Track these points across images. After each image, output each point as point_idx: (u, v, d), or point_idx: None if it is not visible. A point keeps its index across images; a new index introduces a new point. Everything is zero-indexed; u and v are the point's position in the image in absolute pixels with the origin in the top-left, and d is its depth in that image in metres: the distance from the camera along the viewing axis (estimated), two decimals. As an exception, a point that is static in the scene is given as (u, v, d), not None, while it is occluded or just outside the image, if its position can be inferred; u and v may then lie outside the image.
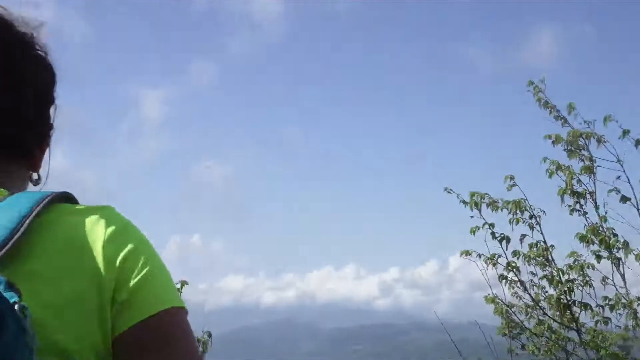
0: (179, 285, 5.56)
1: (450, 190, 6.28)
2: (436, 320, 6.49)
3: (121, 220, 1.12)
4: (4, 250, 0.96)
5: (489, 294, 6.18)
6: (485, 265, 5.99)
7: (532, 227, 5.90)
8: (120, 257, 1.06)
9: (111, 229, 1.08)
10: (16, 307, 0.87)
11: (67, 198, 1.13)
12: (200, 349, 5.92)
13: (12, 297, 0.88)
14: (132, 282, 1.05)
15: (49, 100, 1.24)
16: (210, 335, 5.89)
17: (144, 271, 1.07)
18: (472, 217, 6.01)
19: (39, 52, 1.21)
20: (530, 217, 5.89)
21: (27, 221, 1.00)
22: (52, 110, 1.25)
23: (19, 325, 0.87)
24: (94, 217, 1.09)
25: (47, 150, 1.26)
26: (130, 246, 1.08)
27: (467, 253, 6.10)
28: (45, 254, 1.02)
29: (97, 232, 1.07)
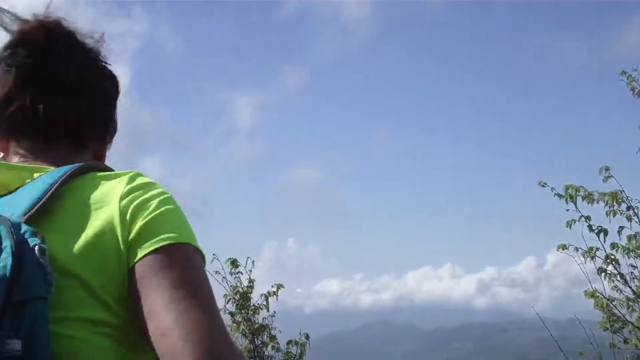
0: (274, 289, 5.69)
1: (545, 184, 6.20)
2: (535, 318, 6.41)
3: (142, 179, 1.29)
4: (32, 211, 1.18)
5: (588, 289, 6.05)
6: (583, 259, 5.88)
7: (630, 219, 5.75)
8: (133, 205, 1.22)
9: (130, 185, 1.25)
10: (36, 248, 1.09)
11: (99, 168, 1.33)
12: (299, 351, 6.07)
13: (33, 241, 1.10)
14: (141, 223, 1.20)
15: (113, 105, 1.49)
16: (307, 337, 6.03)
17: (153, 214, 1.22)
18: (567, 210, 5.92)
19: (104, 63, 1.46)
20: (628, 209, 5.75)
21: (56, 185, 1.22)
22: (114, 113, 1.50)
23: (38, 262, 1.08)
24: (117, 179, 1.27)
25: (108, 146, 1.51)
26: (144, 196, 1.24)
27: (563, 247, 6.00)
28: (69, 211, 1.22)
29: (117, 188, 1.25)
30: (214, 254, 5.41)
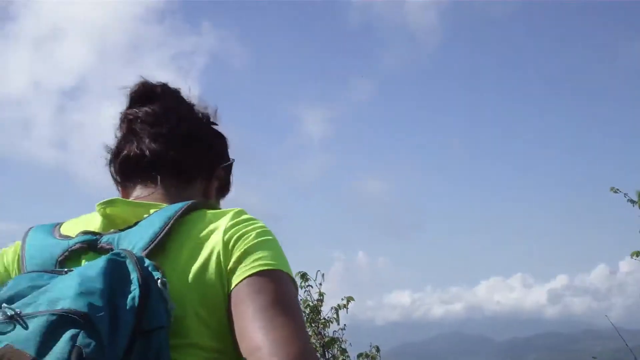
0: (344, 301, 5.75)
1: (617, 190, 6.07)
2: (609, 327, 6.25)
3: (245, 215, 1.48)
4: (151, 245, 1.37)
5: (664, 297, 5.88)
6: (658, 267, 5.73)
7: None
8: (235, 236, 1.41)
9: (234, 220, 1.44)
10: (159, 281, 1.28)
11: (208, 206, 1.52)
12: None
13: (156, 274, 1.30)
14: (240, 251, 1.39)
15: (223, 157, 1.73)
16: (378, 349, 6.05)
17: (252, 242, 1.40)
18: (641, 216, 5.77)
19: (214, 125, 1.72)
20: None
21: (171, 222, 1.41)
22: (226, 166, 1.73)
23: (161, 294, 1.28)
24: (224, 215, 1.46)
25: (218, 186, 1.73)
26: (245, 229, 1.43)
27: (637, 254, 5.85)
28: (182, 245, 1.41)
29: (223, 222, 1.43)
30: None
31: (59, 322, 1.20)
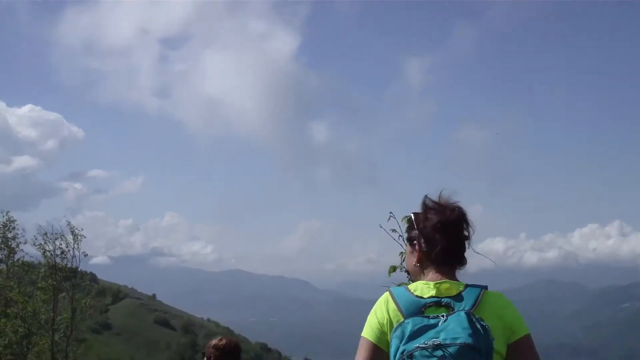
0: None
1: None
2: None
3: (506, 299, 2.68)
4: (474, 307, 2.55)
5: None
6: None
7: None
8: (509, 315, 2.63)
9: (507, 302, 2.66)
10: (490, 334, 2.48)
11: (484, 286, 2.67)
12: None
13: (483, 323, 2.50)
14: (513, 321, 2.62)
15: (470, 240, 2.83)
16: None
17: (515, 317, 2.63)
18: None
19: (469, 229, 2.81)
20: None
21: (481, 294, 2.59)
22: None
23: (492, 345, 2.49)
24: (500, 296, 2.65)
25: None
26: (511, 309, 2.65)
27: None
28: (486, 309, 2.57)
29: (503, 303, 2.65)
30: (390, 212, 5.26)
31: (467, 352, 2.37)
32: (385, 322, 2.60)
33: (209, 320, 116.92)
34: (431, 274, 2.70)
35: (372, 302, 2.79)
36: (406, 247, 2.83)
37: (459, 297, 2.57)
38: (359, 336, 2.69)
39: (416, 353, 2.43)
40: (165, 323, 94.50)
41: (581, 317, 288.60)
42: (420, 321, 2.50)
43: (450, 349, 2.39)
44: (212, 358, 4.29)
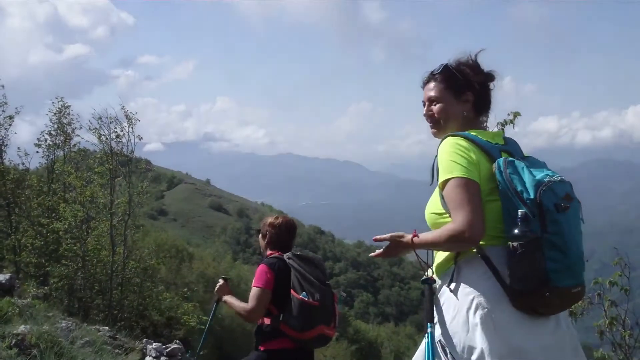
0: (510, 117, 5.62)
1: None
2: None
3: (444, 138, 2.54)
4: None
5: None
6: None
7: None
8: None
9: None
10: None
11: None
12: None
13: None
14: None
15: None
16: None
17: (437, 161, 2.49)
18: None
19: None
20: None
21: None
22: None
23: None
24: None
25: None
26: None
27: None
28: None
29: None
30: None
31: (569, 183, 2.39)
32: (475, 161, 2.45)
33: (262, 204, 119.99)
34: (476, 123, 2.67)
35: (423, 183, 2.74)
36: (445, 96, 2.70)
37: (509, 146, 2.60)
38: (410, 216, 2.41)
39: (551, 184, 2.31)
40: (219, 208, 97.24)
41: (635, 196, 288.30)
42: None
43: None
44: (267, 235, 4.22)
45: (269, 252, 4.16)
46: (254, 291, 3.91)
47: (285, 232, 4.22)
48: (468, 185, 2.37)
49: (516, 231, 2.25)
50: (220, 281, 4.29)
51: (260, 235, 4.29)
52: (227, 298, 4.21)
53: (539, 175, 2.33)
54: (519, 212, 2.26)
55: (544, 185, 2.28)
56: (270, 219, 4.27)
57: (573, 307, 5.32)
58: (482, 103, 2.67)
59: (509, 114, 5.45)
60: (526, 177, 2.35)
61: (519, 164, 2.39)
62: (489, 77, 2.67)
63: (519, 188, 2.32)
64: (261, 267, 3.99)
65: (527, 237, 2.23)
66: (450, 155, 2.45)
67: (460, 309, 2.35)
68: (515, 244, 2.24)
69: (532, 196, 2.28)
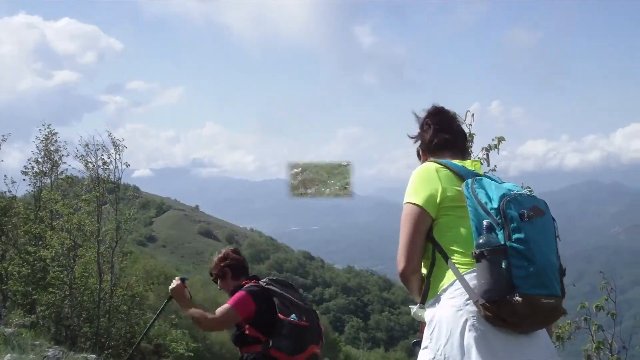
0: (495, 142, 5.35)
1: None
2: None
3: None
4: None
5: None
6: None
7: None
8: None
9: None
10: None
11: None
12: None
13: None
14: None
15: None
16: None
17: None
18: None
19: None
20: None
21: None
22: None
23: None
24: None
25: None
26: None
27: None
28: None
29: None
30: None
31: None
32: (438, 189, 2.56)
33: (252, 229, 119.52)
34: (448, 155, 2.77)
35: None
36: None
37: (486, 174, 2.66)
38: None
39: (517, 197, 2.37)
40: (208, 233, 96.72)
41: (623, 218, 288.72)
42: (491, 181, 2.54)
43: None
44: (227, 269, 4.16)
45: (237, 282, 4.08)
46: (227, 309, 3.84)
47: (241, 257, 4.20)
48: (414, 215, 2.54)
49: (480, 240, 2.29)
50: (177, 280, 4.10)
51: (218, 279, 4.20)
52: (186, 300, 4.04)
53: (506, 188, 2.42)
54: (484, 222, 2.31)
55: (508, 196, 2.34)
56: (218, 256, 4.20)
57: (560, 331, 5.32)
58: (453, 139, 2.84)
59: (493, 139, 5.37)
60: (492, 190, 2.41)
61: (487, 181, 2.49)
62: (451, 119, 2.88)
63: (484, 200, 2.38)
64: (244, 295, 3.90)
65: (491, 244, 2.26)
66: (413, 181, 2.61)
67: (454, 331, 2.32)
68: (477, 251, 2.27)
69: (495, 205, 2.33)
